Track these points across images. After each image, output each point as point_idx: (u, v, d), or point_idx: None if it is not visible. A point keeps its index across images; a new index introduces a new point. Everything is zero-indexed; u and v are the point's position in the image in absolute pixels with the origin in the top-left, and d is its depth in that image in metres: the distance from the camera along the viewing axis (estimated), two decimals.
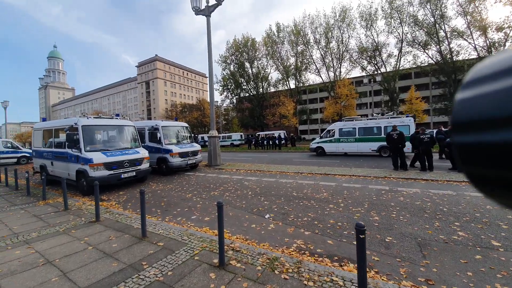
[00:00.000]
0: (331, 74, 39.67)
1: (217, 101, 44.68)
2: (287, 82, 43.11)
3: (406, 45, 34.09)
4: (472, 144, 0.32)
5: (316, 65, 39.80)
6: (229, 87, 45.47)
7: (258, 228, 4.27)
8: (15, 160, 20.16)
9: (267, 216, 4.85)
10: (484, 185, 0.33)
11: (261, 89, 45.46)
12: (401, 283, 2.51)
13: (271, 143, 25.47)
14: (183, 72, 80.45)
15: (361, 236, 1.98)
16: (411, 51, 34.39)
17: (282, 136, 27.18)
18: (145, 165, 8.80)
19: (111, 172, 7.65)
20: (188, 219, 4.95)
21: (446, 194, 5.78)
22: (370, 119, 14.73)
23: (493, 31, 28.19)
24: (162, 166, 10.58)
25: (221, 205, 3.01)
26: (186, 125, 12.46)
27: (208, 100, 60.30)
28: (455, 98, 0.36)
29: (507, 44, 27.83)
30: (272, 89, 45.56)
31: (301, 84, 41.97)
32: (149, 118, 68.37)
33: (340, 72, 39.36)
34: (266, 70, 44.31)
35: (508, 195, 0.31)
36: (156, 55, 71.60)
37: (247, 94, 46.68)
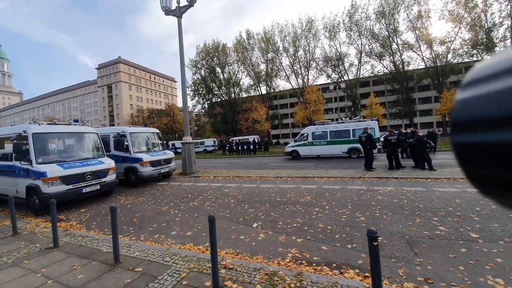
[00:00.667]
0: (300, 80, 41.49)
1: (189, 106, 43.24)
2: (259, 88, 43.78)
3: (365, 55, 37.44)
4: (472, 144, 0.32)
5: (285, 72, 41.27)
6: (200, 92, 44.46)
7: (247, 240, 4.00)
8: None
9: (254, 225, 4.61)
10: (484, 185, 0.33)
11: (233, 95, 45.35)
12: (403, 285, 2.50)
13: (245, 148, 25.28)
14: (150, 76, 76.24)
15: (375, 243, 1.88)
16: (369, 61, 37.88)
17: (256, 141, 27.24)
18: (111, 177, 7.87)
19: (70, 186, 6.64)
20: (168, 235, 4.45)
21: (417, 190, 6.21)
22: (340, 122, 15.55)
23: (437, 45, 32.50)
24: (131, 177, 9.60)
25: (213, 219, 2.69)
26: (158, 131, 11.61)
27: (178, 105, 58.19)
28: (455, 98, 0.36)
29: (449, 56, 32.25)
30: (244, 95, 45.79)
31: (272, 90, 42.99)
32: (112, 124, 62.92)
33: (308, 79, 41.38)
34: (237, 76, 44.45)
35: (508, 195, 0.31)
36: (119, 57, 66.69)
37: (219, 100, 46.15)
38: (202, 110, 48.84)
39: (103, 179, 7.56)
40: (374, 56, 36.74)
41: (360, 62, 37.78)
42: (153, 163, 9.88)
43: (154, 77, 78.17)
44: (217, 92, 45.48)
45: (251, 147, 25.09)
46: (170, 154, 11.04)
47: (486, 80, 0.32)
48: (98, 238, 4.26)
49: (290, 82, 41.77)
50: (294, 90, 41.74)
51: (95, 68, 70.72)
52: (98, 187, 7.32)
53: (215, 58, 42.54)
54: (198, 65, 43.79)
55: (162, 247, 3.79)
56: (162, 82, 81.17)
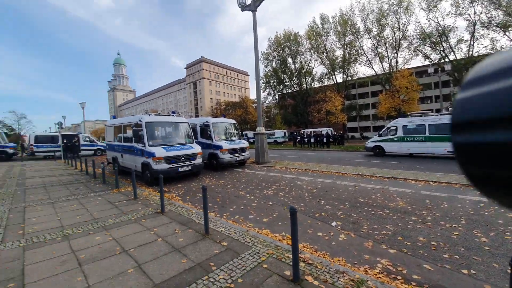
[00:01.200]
0: (385, 65, 35.55)
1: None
2: (333, 76, 40.38)
3: (481, 27, 28.06)
4: (472, 144, 0.32)
5: (367, 56, 36.19)
6: (271, 83, 45.10)
7: (326, 238, 3.76)
8: (92, 152, 23.80)
9: (334, 224, 4.28)
10: (484, 186, 0.33)
11: (304, 85, 43.80)
12: None
13: (318, 140, 24.15)
14: (226, 71, 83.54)
15: None
16: (487, 34, 28.17)
17: (330, 134, 25.56)
18: (198, 160, 9.10)
19: (170, 165, 8.09)
20: (246, 218, 4.74)
21: None
22: (445, 114, 12.41)
23: None
24: (212, 162, 10.85)
25: (294, 212, 2.59)
26: (234, 121, 12.56)
27: (251, 97, 61.41)
28: (454, 99, 0.36)
29: None
30: (317, 84, 43.39)
31: (350, 78, 38.72)
32: (197, 116, 73.25)
33: (396, 62, 34.98)
34: (309, 65, 42.39)
35: (509, 195, 0.31)
36: (202, 56, 75.94)
37: (289, 91, 45.58)
38: (273, 102, 49.66)
39: (193, 162, 8.83)
40: (494, 27, 27.10)
41: (473, 36, 28.67)
42: (231, 151, 10.80)
43: (230, 72, 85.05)
44: (288, 83, 45.05)
45: (324, 140, 23.78)
46: (245, 143, 11.77)
47: (485, 80, 0.31)
48: (191, 210, 4.99)
49: (372, 68, 36.47)
50: (378, 77, 36.27)
51: (184, 68, 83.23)
52: (189, 168, 8.62)
53: (286, 49, 41.89)
54: (270, 57, 44.34)
55: (242, 227, 4.05)
56: (236, 77, 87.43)
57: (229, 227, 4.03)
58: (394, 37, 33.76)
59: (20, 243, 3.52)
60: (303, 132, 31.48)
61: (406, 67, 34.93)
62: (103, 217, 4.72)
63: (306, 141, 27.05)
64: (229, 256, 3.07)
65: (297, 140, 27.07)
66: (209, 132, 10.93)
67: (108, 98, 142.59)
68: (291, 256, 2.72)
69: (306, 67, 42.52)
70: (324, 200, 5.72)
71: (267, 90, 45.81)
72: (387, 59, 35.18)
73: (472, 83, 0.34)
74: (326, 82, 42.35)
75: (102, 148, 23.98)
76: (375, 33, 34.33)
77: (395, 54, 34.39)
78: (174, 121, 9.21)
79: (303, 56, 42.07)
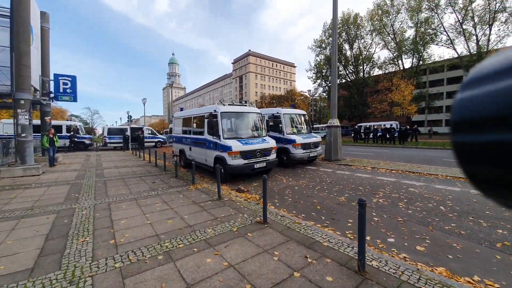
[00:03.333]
0: (472, 44, 28.95)
1: (310, 90, 42.27)
2: (401, 61, 34.93)
3: None
4: (472, 144, 0.32)
5: (447, 34, 30.04)
6: (323, 74, 41.76)
7: None
8: (153, 144, 25.46)
9: None
10: (484, 186, 0.33)
11: (361, 73, 39.28)
12: None
13: (388, 136, 20.85)
14: (272, 63, 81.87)
15: None
16: None
17: (395, 128, 21.90)
18: (273, 156, 8.02)
19: (246, 161, 7.18)
20: (385, 242, 3.33)
21: None
22: None
23: None
24: (282, 158, 9.69)
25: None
26: (305, 112, 11.11)
27: (298, 90, 58.72)
28: (454, 98, 0.36)
29: None
30: (378, 72, 38.38)
31: (421, 62, 32.85)
32: None
33: (488, 40, 28.13)
34: (369, 50, 37.63)
35: (509, 195, 0.30)
36: (249, 50, 75.86)
37: (343, 81, 41.55)
38: (324, 94, 46.06)
39: (268, 158, 7.78)
40: None
41: None
42: (304, 146, 9.44)
43: (276, 64, 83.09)
44: (342, 72, 41.05)
45: (387, 135, 20.49)
46: (318, 137, 10.26)
47: (485, 80, 0.31)
48: (299, 222, 3.83)
49: (454, 48, 30.15)
50: (461, 59, 29.92)
51: (231, 63, 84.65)
52: (264, 164, 7.58)
53: (343, 34, 37.78)
54: (323, 45, 40.82)
55: (404, 263, 2.66)
56: (282, 69, 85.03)
57: (394, 263, 2.67)
58: (486, 9, 27.07)
59: (115, 261, 2.78)
60: (360, 126, 28.02)
61: (501, 45, 27.91)
62: (198, 224, 3.91)
63: (363, 136, 24.27)
64: None
65: (357, 135, 24.22)
66: (280, 124, 9.75)
67: (162, 95, 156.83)
68: None
69: (365, 52, 37.94)
70: (485, 220, 3.89)
71: (318, 81, 42.65)
72: (474, 36, 28.61)
73: (472, 83, 0.33)
74: (390, 69, 37.08)
75: (162, 140, 25.49)
76: (461, 5, 28.08)
77: (488, 30, 27.63)
78: (248, 112, 8.27)
79: (362, 41, 37.61)
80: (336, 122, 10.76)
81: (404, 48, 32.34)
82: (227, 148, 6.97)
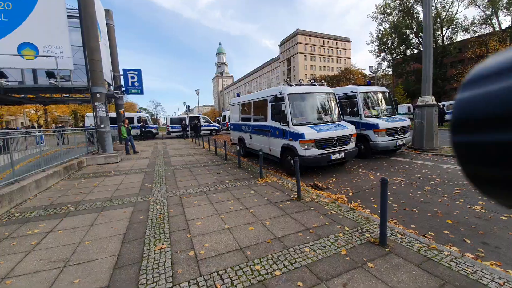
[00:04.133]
0: None
1: (371, 66, 36.76)
2: (496, 19, 26.49)
3: None
4: (472, 143, 0.32)
5: None
6: (388, 45, 35.50)
7: None
8: (209, 132, 26.40)
9: None
10: (484, 185, 0.33)
11: (440, 41, 31.70)
12: None
13: None
14: (323, 41, 74.94)
15: None
16: None
17: None
18: (352, 145, 6.58)
19: (321, 151, 5.98)
20: None
21: None
22: None
23: None
24: (359, 146, 8.06)
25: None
26: (387, 90, 9.00)
27: (355, 67, 52.34)
28: (455, 98, 0.35)
29: None
30: (463, 36, 30.35)
31: None
32: None
33: None
34: (450, 9, 29.74)
35: (508, 195, 0.30)
36: (297, 29, 70.90)
37: (415, 51, 34.51)
38: (389, 69, 39.43)
39: (346, 147, 6.40)
40: None
41: None
42: (389, 132, 7.59)
43: (327, 41, 75.74)
44: (413, 41, 34.02)
45: None
46: (406, 120, 8.17)
47: (486, 80, 0.31)
48: (439, 249, 2.52)
49: None
50: None
51: (278, 45, 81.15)
52: (343, 155, 6.24)
53: None
54: (388, 10, 34.28)
55: None
56: (335, 46, 77.10)
57: None
58: None
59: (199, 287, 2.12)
60: (443, 105, 22.73)
61: None
62: (286, 236, 3.03)
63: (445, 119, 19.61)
64: None
65: (442, 116, 19.72)
66: (355, 106, 8.07)
67: (212, 84, 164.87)
68: None
69: (444, 14, 30.22)
70: None
71: (382, 54, 36.59)
72: None
73: (472, 83, 0.33)
74: (478, 32, 28.79)
75: (216, 128, 26.21)
76: None
77: None
78: (320, 92, 6.92)
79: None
80: (430, 100, 8.34)
81: (500, 3, 24.20)
82: (298, 136, 5.89)
